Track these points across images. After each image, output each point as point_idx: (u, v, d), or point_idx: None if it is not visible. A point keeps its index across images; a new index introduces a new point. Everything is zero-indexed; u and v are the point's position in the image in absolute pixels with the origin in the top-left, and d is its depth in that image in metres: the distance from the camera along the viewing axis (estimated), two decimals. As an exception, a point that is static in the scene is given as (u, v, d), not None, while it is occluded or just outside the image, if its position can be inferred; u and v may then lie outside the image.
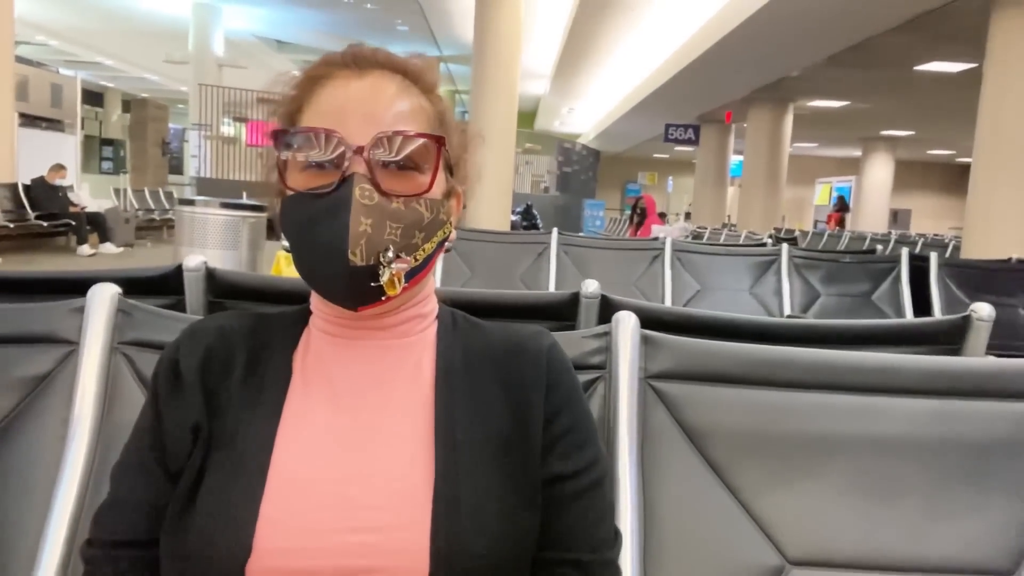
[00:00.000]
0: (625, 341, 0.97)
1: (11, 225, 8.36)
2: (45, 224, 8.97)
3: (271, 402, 0.70)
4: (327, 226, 0.65)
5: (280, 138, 0.69)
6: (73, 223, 9.19)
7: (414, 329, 0.75)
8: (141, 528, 0.68)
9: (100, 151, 23.34)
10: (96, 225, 9.41)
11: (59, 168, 9.40)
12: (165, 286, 1.29)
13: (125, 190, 12.38)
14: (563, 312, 1.34)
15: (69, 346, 0.94)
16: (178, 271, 1.28)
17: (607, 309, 1.35)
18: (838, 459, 0.92)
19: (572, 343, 0.97)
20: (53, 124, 11.75)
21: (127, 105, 21.95)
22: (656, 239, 4.19)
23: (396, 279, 0.67)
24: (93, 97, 23.61)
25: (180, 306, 1.30)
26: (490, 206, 8.68)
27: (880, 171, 19.94)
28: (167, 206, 12.60)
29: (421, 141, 0.68)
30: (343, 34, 15.06)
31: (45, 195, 9.11)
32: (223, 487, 0.66)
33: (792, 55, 10.32)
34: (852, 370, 0.94)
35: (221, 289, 1.33)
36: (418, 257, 0.70)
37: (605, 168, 22.43)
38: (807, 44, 9.61)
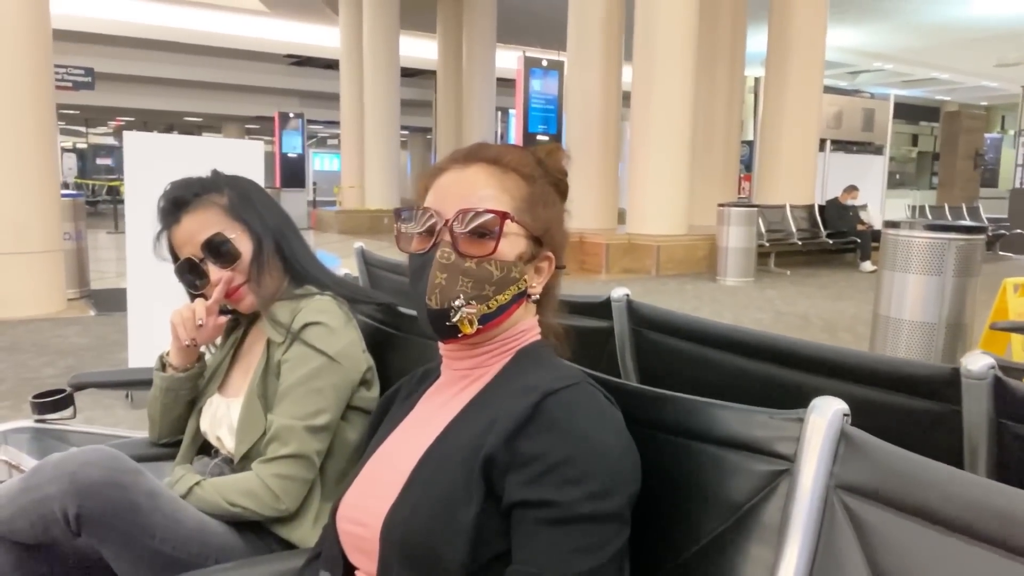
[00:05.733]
0: (816, 433, 0.77)
1: (799, 243, 9.46)
2: (831, 242, 9.79)
3: (400, 416, 0.96)
4: (420, 278, 0.86)
5: (399, 215, 0.91)
6: (858, 240, 9.72)
7: (484, 363, 0.90)
8: None
9: (931, 166, 23.41)
10: (881, 242, 9.70)
11: (851, 189, 10.08)
12: (595, 312, 1.55)
13: (921, 207, 12.17)
14: (942, 392, 1.01)
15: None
16: (607, 301, 1.53)
17: (1003, 391, 0.95)
18: None
19: (762, 424, 0.83)
20: (863, 147, 12.55)
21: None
22: None
23: (468, 320, 0.84)
24: (928, 113, 23.81)
25: (608, 331, 1.54)
26: None
27: None
28: (966, 222, 11.84)
29: (488, 216, 0.84)
30: None
31: (837, 214, 9.92)
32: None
33: None
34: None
35: (641, 320, 1.50)
36: (491, 305, 0.85)
37: None
38: None
